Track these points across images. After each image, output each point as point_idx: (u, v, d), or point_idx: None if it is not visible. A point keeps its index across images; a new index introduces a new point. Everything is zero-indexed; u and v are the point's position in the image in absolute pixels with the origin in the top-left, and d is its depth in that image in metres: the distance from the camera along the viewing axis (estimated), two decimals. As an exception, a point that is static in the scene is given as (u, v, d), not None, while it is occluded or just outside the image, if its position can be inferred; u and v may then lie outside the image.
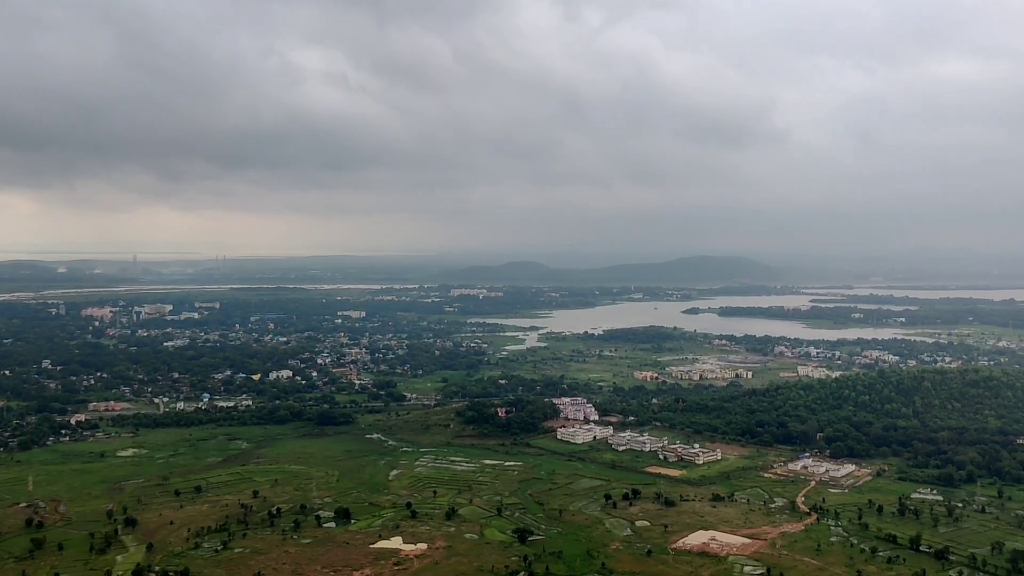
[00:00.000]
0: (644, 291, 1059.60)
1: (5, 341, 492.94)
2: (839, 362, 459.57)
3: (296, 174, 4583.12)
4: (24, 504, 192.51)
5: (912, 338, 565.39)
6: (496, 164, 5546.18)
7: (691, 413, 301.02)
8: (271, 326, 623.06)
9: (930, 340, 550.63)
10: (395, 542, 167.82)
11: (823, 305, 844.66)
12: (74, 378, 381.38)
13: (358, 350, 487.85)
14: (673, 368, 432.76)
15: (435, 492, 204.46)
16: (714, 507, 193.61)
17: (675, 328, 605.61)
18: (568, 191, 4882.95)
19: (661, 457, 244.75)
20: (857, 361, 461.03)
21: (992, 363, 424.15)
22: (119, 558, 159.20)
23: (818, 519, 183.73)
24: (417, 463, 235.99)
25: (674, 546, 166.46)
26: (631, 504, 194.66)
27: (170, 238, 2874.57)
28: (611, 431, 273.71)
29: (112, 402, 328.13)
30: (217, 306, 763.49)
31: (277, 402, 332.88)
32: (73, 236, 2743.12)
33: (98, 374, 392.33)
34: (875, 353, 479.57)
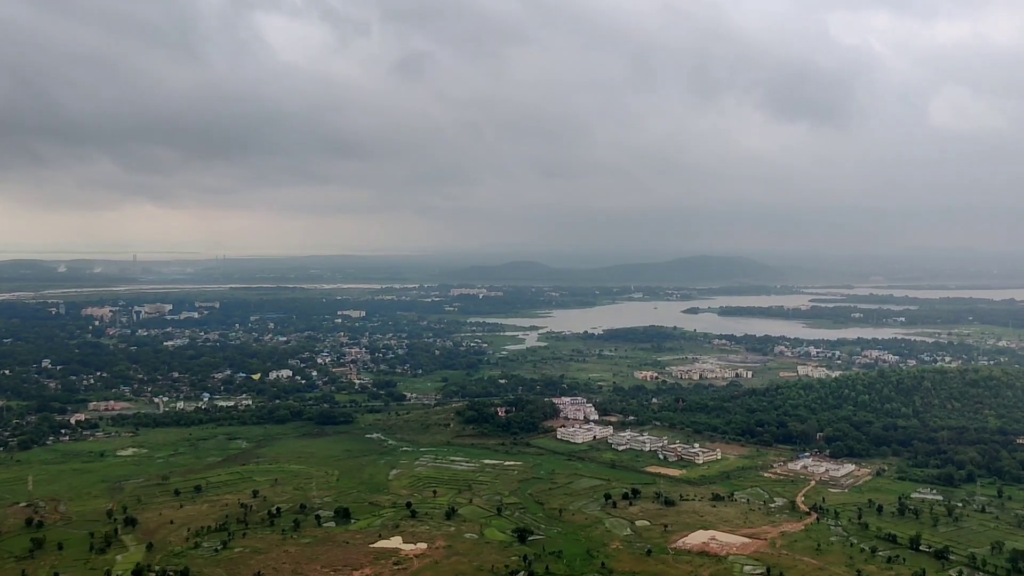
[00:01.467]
0: (644, 291, 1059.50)
1: (5, 340, 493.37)
2: (839, 362, 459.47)
3: (290, 165, 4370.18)
4: (24, 504, 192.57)
5: (912, 338, 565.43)
6: (509, 151, 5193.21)
7: (691, 413, 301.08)
8: (271, 325, 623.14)
9: (930, 340, 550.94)
10: (395, 542, 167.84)
11: (823, 305, 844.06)
12: (74, 377, 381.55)
13: (358, 350, 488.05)
14: (673, 368, 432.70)
15: (435, 492, 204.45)
16: (714, 507, 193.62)
17: (675, 328, 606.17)
18: (584, 184, 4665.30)
19: (661, 457, 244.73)
20: (857, 361, 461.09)
21: (992, 363, 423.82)
22: (119, 558, 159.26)
23: (818, 519, 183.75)
24: (417, 463, 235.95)
25: (674, 546, 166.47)
26: (631, 504, 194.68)
27: (163, 237, 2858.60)
28: (611, 431, 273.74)
29: (112, 401, 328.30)
30: (217, 305, 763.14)
31: (277, 402, 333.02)
32: (60, 235, 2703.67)
33: (98, 373, 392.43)
34: (875, 353, 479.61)
